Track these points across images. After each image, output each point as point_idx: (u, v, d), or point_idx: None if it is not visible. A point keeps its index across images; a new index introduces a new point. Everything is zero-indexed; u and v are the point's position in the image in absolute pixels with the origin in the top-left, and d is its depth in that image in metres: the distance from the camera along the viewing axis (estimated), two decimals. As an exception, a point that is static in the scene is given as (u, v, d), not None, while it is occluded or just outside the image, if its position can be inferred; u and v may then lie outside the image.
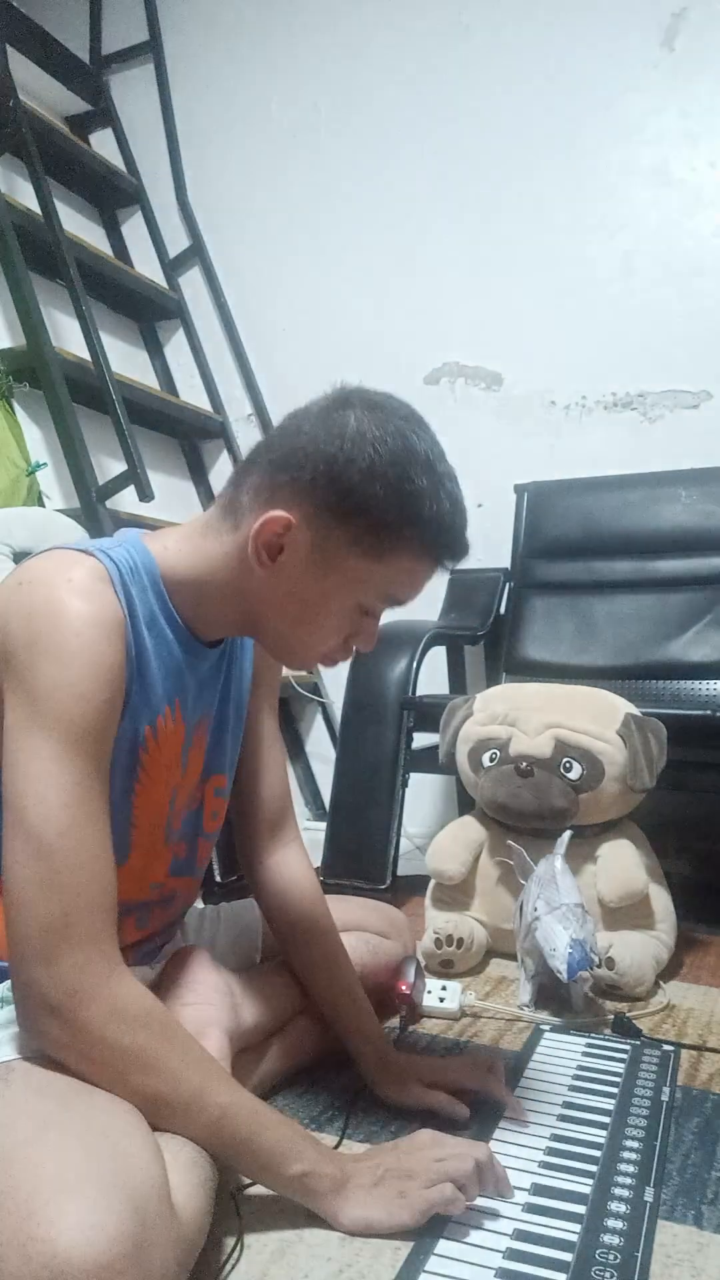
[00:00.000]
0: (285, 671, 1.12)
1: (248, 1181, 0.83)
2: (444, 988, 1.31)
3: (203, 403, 2.73)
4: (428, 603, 2.27)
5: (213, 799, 1.01)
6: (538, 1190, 0.85)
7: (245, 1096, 0.76)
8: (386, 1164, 0.80)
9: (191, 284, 2.81)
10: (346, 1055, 1.11)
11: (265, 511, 0.81)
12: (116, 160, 2.79)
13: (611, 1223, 0.81)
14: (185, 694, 0.89)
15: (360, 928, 1.23)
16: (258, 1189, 0.82)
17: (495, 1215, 0.81)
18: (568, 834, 1.40)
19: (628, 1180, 0.88)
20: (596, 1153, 0.92)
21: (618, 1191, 0.86)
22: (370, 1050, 1.02)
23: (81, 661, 0.75)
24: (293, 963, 1.07)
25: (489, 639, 2.29)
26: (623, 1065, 1.14)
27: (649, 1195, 0.86)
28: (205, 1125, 0.73)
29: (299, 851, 1.10)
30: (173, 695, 0.87)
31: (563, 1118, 0.99)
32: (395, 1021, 1.24)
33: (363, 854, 1.89)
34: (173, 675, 0.87)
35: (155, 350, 2.86)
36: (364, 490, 0.79)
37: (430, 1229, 0.78)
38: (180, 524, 0.91)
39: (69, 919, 0.71)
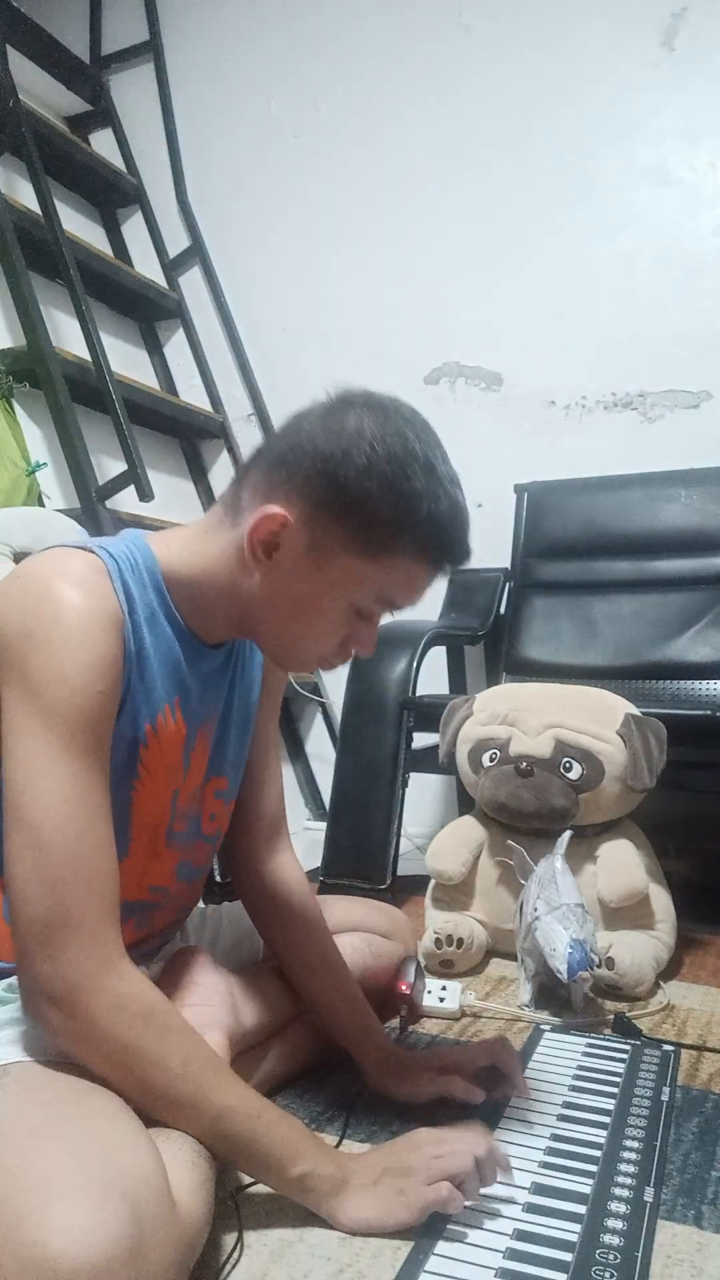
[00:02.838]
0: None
1: (248, 1181, 0.83)
2: (444, 988, 1.31)
3: (203, 403, 2.73)
4: (428, 602, 2.25)
5: (212, 800, 1.00)
6: (538, 1190, 0.85)
7: (247, 1095, 0.76)
8: (385, 1163, 0.79)
9: (191, 284, 2.81)
10: (347, 1055, 1.11)
11: (262, 508, 0.81)
12: (116, 160, 2.79)
13: (611, 1223, 0.81)
14: (186, 693, 0.89)
15: (361, 928, 1.22)
16: (258, 1189, 0.82)
17: (495, 1215, 0.81)
18: (568, 834, 1.40)
19: (628, 1180, 0.88)
20: (596, 1153, 0.92)
21: (618, 1191, 0.86)
22: (375, 1050, 1.01)
23: (76, 652, 0.74)
24: (289, 969, 1.06)
25: (489, 639, 2.29)
26: (623, 1065, 1.14)
27: (649, 1195, 0.86)
28: (205, 1123, 0.73)
29: (293, 858, 1.10)
30: (172, 693, 0.87)
31: (563, 1118, 0.99)
32: (395, 1021, 1.24)
33: (363, 854, 1.89)
34: (172, 673, 0.86)
35: (155, 350, 2.86)
36: (359, 487, 0.79)
37: (430, 1229, 0.78)
38: (185, 524, 0.91)
39: (69, 912, 0.71)
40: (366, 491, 0.79)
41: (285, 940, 1.06)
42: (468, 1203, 0.79)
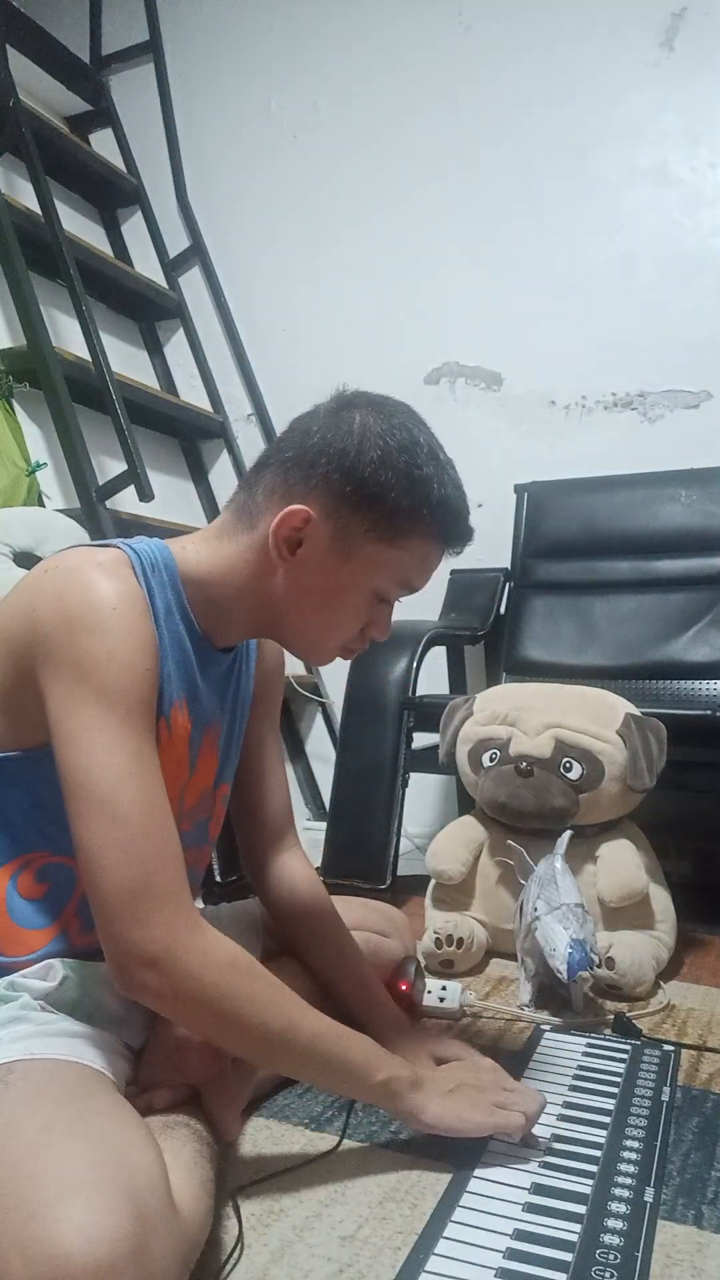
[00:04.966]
0: (286, 671, 1.14)
1: (248, 1181, 0.83)
2: (444, 988, 1.30)
3: (203, 403, 2.73)
4: (428, 603, 2.27)
5: (220, 805, 1.03)
6: (538, 1190, 0.85)
7: (327, 1020, 0.82)
8: (460, 1078, 0.91)
9: (191, 284, 2.81)
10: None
11: (283, 508, 0.85)
12: (116, 160, 2.79)
13: (611, 1223, 0.81)
14: (195, 692, 0.91)
15: (360, 927, 1.23)
16: (257, 1189, 0.82)
17: (495, 1215, 0.81)
18: (568, 834, 1.40)
19: (628, 1180, 0.88)
20: (596, 1153, 0.92)
21: (618, 1191, 0.86)
22: (379, 1017, 1.06)
23: (121, 633, 0.77)
24: (305, 960, 1.10)
25: (489, 639, 2.29)
26: (623, 1065, 1.14)
27: (649, 1195, 0.86)
28: (298, 1050, 0.79)
29: (299, 855, 1.14)
30: (182, 691, 0.89)
31: (563, 1118, 0.99)
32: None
33: (363, 854, 1.89)
34: (184, 671, 0.89)
35: (155, 350, 2.86)
36: (377, 479, 0.84)
37: (431, 1226, 0.78)
38: (196, 530, 0.94)
39: (151, 880, 0.73)
40: (383, 481, 0.84)
41: (298, 933, 1.11)
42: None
